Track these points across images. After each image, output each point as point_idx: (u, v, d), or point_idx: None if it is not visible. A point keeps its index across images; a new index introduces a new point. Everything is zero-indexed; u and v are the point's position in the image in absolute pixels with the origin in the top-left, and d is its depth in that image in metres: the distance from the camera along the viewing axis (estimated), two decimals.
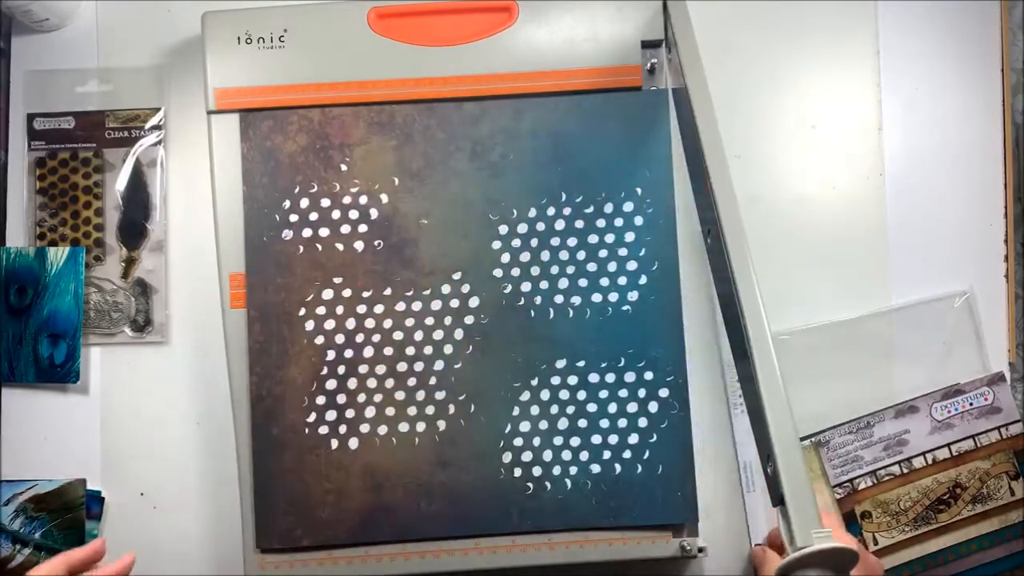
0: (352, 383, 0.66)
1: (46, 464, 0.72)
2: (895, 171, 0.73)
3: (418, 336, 0.66)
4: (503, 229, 0.67)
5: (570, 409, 0.66)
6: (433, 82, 0.67)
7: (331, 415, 0.66)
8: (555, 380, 0.66)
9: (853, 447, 0.70)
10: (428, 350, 0.66)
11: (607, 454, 0.65)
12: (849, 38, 0.74)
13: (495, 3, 0.68)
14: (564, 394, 0.66)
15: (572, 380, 0.66)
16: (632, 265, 0.66)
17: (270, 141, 0.67)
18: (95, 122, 0.73)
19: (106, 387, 0.72)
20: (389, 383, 0.66)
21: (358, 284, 0.66)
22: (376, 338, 0.66)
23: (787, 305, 0.71)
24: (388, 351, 0.66)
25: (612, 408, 0.66)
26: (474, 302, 0.66)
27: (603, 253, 0.67)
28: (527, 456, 0.65)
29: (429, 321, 0.66)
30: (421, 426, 0.66)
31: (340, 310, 0.66)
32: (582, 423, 0.66)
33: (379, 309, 0.66)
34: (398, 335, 0.66)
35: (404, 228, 0.67)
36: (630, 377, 0.66)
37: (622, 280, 0.66)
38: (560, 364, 0.66)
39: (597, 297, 0.66)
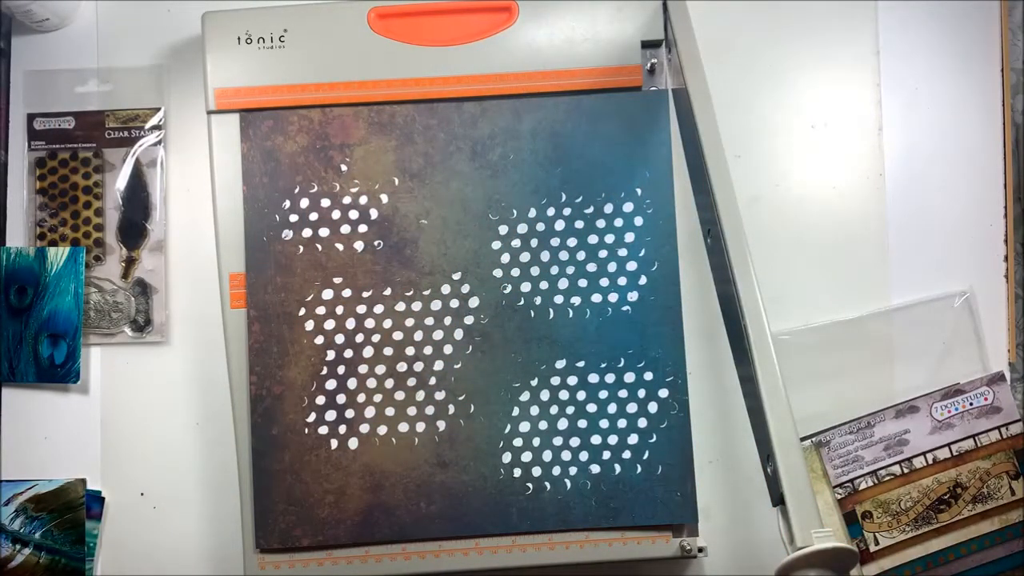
0: (352, 383, 0.66)
1: (46, 464, 0.72)
2: (895, 171, 0.73)
3: (418, 336, 0.66)
4: (503, 229, 0.67)
5: (570, 409, 0.66)
6: (433, 82, 0.67)
7: (331, 415, 0.66)
8: (555, 380, 0.66)
9: (854, 447, 0.70)
10: (428, 350, 0.66)
11: (607, 454, 0.65)
12: (849, 38, 0.74)
13: (495, 3, 0.68)
14: (564, 394, 0.66)
15: (572, 380, 0.66)
16: (632, 265, 0.66)
17: (270, 141, 0.67)
18: (95, 122, 0.73)
19: (106, 387, 0.72)
20: (389, 383, 0.66)
21: (358, 284, 0.66)
22: (376, 338, 0.66)
23: (787, 305, 0.71)
24: (388, 351, 0.66)
25: (612, 408, 0.66)
26: (474, 302, 0.66)
27: (603, 253, 0.67)
28: (527, 456, 0.65)
29: (429, 321, 0.66)
30: (421, 426, 0.66)
31: (340, 310, 0.66)
32: (582, 423, 0.66)
33: (379, 309, 0.66)
34: (398, 335, 0.66)
35: (404, 228, 0.67)
36: (630, 377, 0.66)
37: (622, 280, 0.66)
38: (560, 364, 0.66)
39: (597, 297, 0.66)
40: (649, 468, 0.65)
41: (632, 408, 0.66)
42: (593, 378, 0.66)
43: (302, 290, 0.66)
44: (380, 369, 0.66)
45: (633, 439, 0.65)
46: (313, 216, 0.67)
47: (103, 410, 0.72)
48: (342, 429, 0.66)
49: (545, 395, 0.66)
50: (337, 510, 0.65)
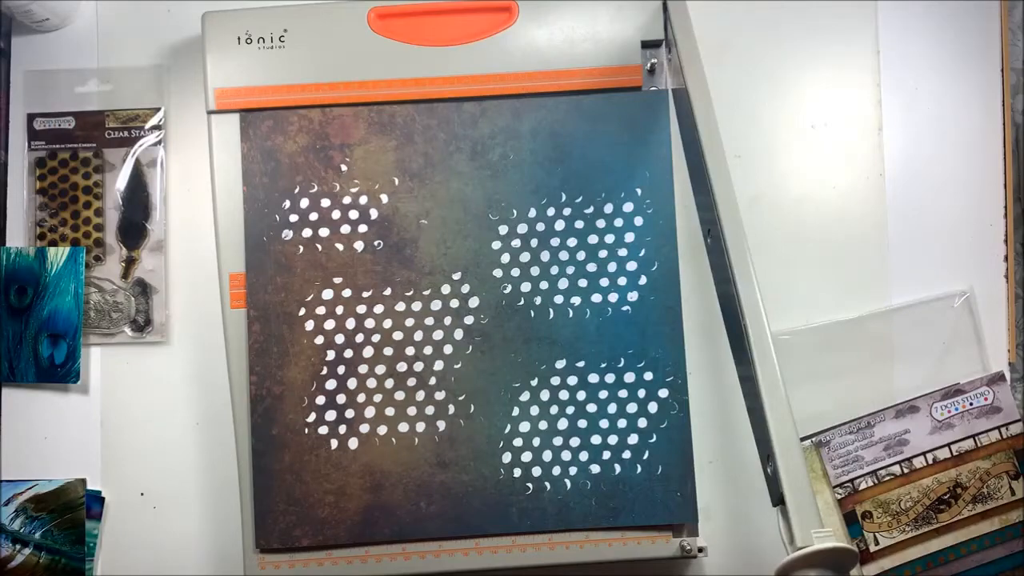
0: (352, 383, 0.66)
1: (46, 464, 0.72)
2: (895, 171, 0.73)
3: (418, 336, 0.66)
4: (503, 229, 0.67)
5: (570, 409, 0.66)
6: (433, 82, 0.67)
7: (331, 415, 0.66)
8: (555, 380, 0.66)
9: (854, 447, 0.70)
10: (428, 350, 0.66)
11: (607, 454, 0.65)
12: (849, 38, 0.74)
13: (495, 3, 0.68)
14: (564, 394, 0.66)
15: (572, 380, 0.66)
16: (632, 265, 0.66)
17: (270, 141, 0.67)
18: (95, 122, 0.73)
19: (106, 387, 0.72)
20: (389, 383, 0.66)
21: (358, 284, 0.66)
22: (376, 338, 0.66)
23: (787, 305, 0.71)
24: (388, 351, 0.66)
25: (612, 408, 0.66)
26: (474, 302, 0.66)
27: (603, 253, 0.67)
28: (527, 456, 0.65)
29: (429, 321, 0.66)
30: (421, 426, 0.66)
31: (340, 310, 0.66)
32: (582, 423, 0.66)
33: (379, 309, 0.66)
34: (398, 335, 0.66)
35: (404, 228, 0.67)
36: (630, 377, 0.66)
37: (622, 280, 0.66)
38: (560, 364, 0.66)
39: (597, 297, 0.66)
40: (649, 468, 0.65)
41: (632, 408, 0.66)
42: (593, 378, 0.66)
43: (302, 290, 0.66)
44: (380, 369, 0.66)
45: (633, 439, 0.65)
46: (313, 216, 0.67)
47: (103, 410, 0.72)
48: (342, 429, 0.66)
49: (545, 395, 0.66)
50: (337, 510, 0.65)
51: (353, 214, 0.67)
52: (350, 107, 0.67)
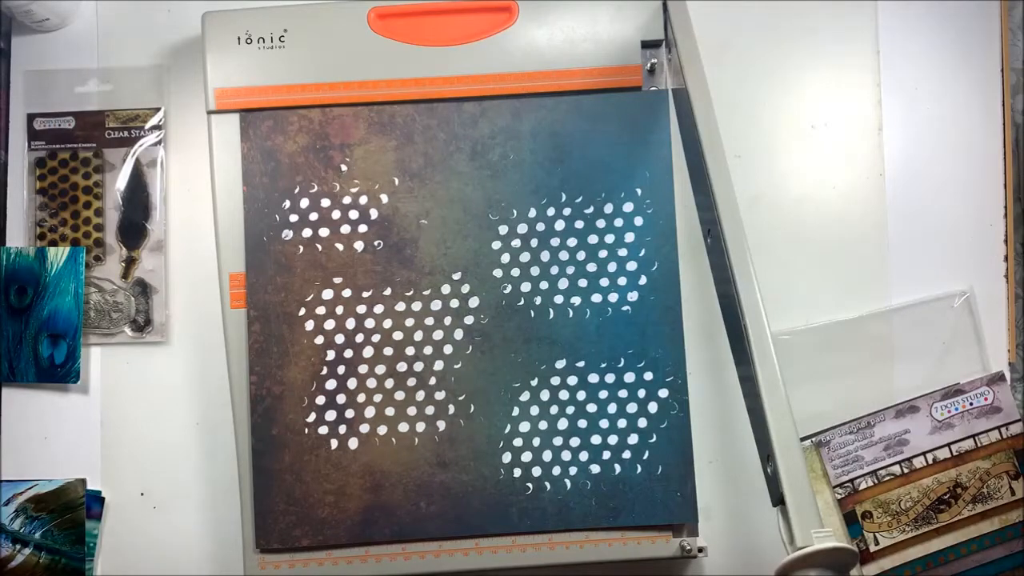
0: (352, 383, 0.66)
1: (46, 464, 0.72)
2: (895, 171, 0.73)
3: (418, 336, 0.66)
4: (503, 229, 0.67)
5: (570, 409, 0.66)
6: (433, 82, 0.68)
7: (331, 415, 0.66)
8: (555, 380, 0.66)
9: (854, 447, 0.70)
10: (428, 350, 0.66)
11: (607, 454, 0.65)
12: (849, 38, 0.74)
13: (495, 3, 0.68)
14: (564, 394, 0.66)
15: (572, 380, 0.66)
16: (632, 265, 0.66)
17: (270, 141, 0.67)
18: (95, 122, 0.73)
19: (106, 387, 0.72)
20: (389, 383, 0.66)
21: (358, 284, 0.66)
22: (376, 338, 0.66)
23: (787, 305, 0.71)
24: (388, 351, 0.66)
25: (612, 408, 0.66)
26: (474, 302, 0.66)
27: (603, 253, 0.67)
28: (527, 456, 0.65)
29: (429, 321, 0.66)
30: (421, 426, 0.66)
31: (340, 310, 0.66)
32: (582, 423, 0.66)
33: (379, 309, 0.66)
34: (398, 335, 0.66)
35: (404, 228, 0.67)
36: (630, 377, 0.66)
37: (622, 280, 0.66)
38: (560, 364, 0.66)
39: (597, 297, 0.66)
40: (649, 468, 0.65)
41: (632, 408, 0.66)
42: (593, 378, 0.66)
43: (302, 290, 0.66)
44: (380, 369, 0.66)
45: (633, 439, 0.65)
46: (313, 216, 0.67)
47: (103, 410, 0.72)
48: (342, 429, 0.66)
49: (545, 395, 0.66)
50: (337, 510, 0.65)
51: (353, 214, 0.67)
52: (350, 107, 0.67)
